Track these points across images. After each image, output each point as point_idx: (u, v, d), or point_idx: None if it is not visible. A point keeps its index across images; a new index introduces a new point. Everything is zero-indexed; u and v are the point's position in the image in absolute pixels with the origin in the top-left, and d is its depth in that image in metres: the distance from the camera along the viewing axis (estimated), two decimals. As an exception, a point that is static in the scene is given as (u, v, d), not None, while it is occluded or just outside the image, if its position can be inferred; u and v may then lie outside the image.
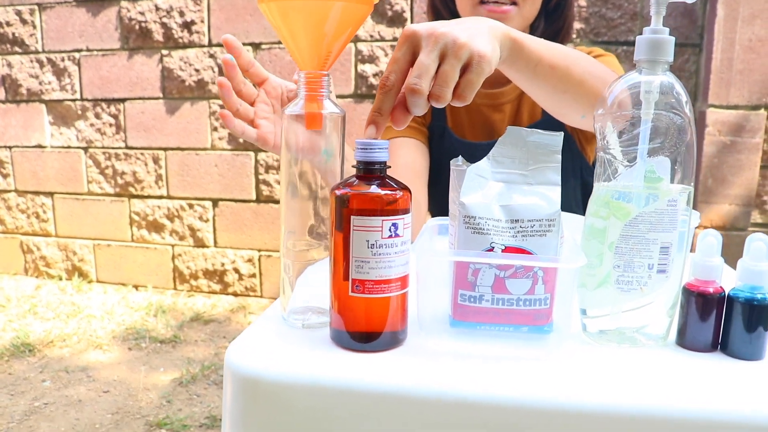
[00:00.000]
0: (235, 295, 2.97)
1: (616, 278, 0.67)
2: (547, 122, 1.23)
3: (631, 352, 0.68)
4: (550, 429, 0.57)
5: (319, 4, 0.67)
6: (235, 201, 2.86)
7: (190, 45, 2.75)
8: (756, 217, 2.41)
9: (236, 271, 2.93)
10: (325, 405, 0.61)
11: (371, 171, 0.65)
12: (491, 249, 0.65)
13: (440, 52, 0.68)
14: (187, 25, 2.73)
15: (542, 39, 0.85)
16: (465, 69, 0.69)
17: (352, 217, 0.63)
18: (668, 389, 0.60)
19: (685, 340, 0.69)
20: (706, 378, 0.62)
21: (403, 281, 0.66)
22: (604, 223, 0.67)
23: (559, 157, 0.67)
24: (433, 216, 1.32)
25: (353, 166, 0.66)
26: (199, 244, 2.95)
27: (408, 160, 1.25)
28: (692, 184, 0.68)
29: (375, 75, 2.60)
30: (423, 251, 0.66)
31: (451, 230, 0.70)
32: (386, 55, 2.58)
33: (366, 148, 0.64)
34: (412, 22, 2.56)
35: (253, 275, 2.92)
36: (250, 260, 2.91)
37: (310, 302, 0.74)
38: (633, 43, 2.35)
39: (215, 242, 2.93)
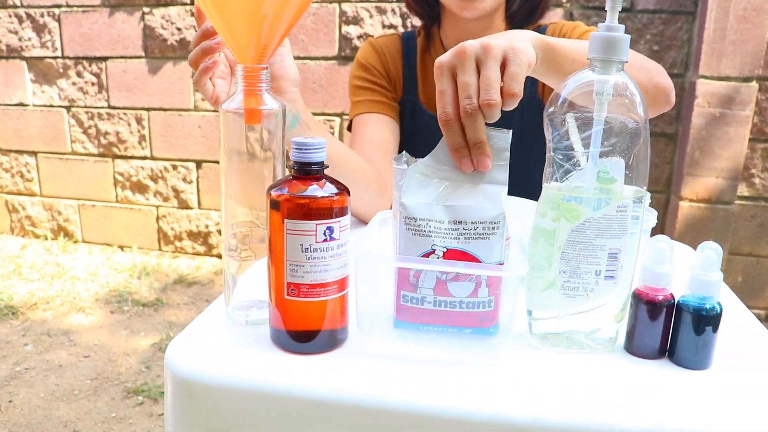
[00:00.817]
0: (219, 257, 2.96)
1: (561, 284, 0.66)
2: (529, 99, 1.19)
3: (577, 358, 0.67)
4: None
5: (254, -5, 0.64)
6: (218, 162, 2.82)
7: (172, 3, 2.68)
8: (743, 190, 2.39)
9: (220, 233, 2.92)
10: (261, 409, 0.61)
11: (307, 172, 0.62)
12: (432, 251, 0.63)
13: (475, 64, 0.67)
14: (170, -19, 2.67)
15: (569, 39, 0.82)
16: (504, 66, 0.68)
17: (285, 220, 0.61)
18: (613, 399, 0.59)
19: (633, 346, 0.68)
20: (652, 387, 0.62)
21: (341, 284, 0.64)
22: (554, 225, 0.65)
23: (507, 155, 0.65)
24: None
25: (288, 167, 0.64)
26: (183, 205, 2.93)
27: (376, 136, 1.22)
28: (645, 187, 0.65)
29: (359, 37, 2.54)
30: (361, 254, 0.65)
31: (393, 229, 0.67)
32: (371, 16, 2.51)
33: (301, 148, 0.61)
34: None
35: (238, 238, 2.91)
36: (234, 223, 2.89)
37: (254, 297, 0.73)
38: (625, 10, 2.29)
39: (199, 204, 2.91)
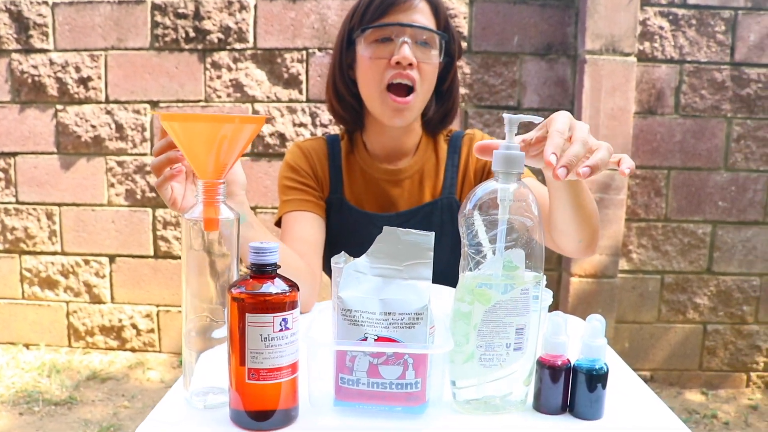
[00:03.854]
0: (133, 350, 2.93)
1: (479, 356, 0.77)
2: (447, 199, 1.35)
3: (494, 418, 0.78)
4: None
5: (215, 125, 0.76)
6: (133, 257, 2.85)
7: (87, 101, 2.75)
8: (623, 264, 2.66)
9: (134, 326, 2.91)
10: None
11: (263, 272, 0.73)
12: (365, 339, 0.74)
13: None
14: (84, 81, 2.73)
15: None
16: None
17: (246, 314, 0.72)
18: None
19: (540, 404, 0.81)
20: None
21: (293, 367, 0.75)
22: (470, 308, 0.77)
23: (431, 253, 0.76)
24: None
25: (247, 267, 0.75)
26: (96, 300, 2.91)
27: (305, 233, 1.32)
28: (542, 271, 0.80)
29: (271, 135, 2.69)
30: (308, 340, 0.76)
31: (332, 319, 0.79)
32: (282, 115, 2.68)
33: (258, 252, 0.73)
34: (307, 84, 2.67)
35: (152, 330, 2.90)
36: (148, 315, 2.89)
37: (210, 383, 0.81)
38: (513, 108, 2.56)
39: (112, 298, 2.90)
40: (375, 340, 0.74)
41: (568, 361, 0.80)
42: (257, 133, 0.82)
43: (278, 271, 0.75)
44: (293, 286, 0.75)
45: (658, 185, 2.64)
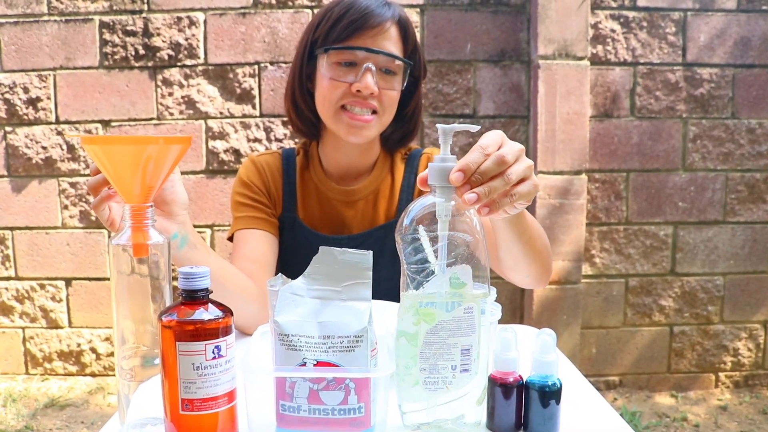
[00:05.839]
0: (93, 375, 2.86)
1: (423, 379, 0.74)
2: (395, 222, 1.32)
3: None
4: None
5: (138, 148, 0.73)
6: (90, 279, 2.78)
7: (36, 122, 2.68)
8: (587, 270, 2.66)
9: (93, 350, 2.83)
10: None
11: (194, 298, 0.70)
12: (304, 364, 0.72)
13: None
14: (33, 102, 2.67)
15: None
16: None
17: (177, 342, 0.68)
18: None
19: (494, 424, 0.78)
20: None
21: (230, 395, 0.72)
22: (415, 329, 0.74)
23: (370, 273, 0.73)
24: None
25: (178, 294, 0.71)
26: (53, 325, 2.83)
27: (256, 252, 1.28)
28: (488, 285, 0.77)
29: (225, 151, 2.65)
30: (243, 367, 0.72)
31: (270, 344, 0.75)
32: (236, 131, 2.64)
33: (188, 277, 0.70)
34: (260, 99, 2.64)
35: (112, 354, 2.83)
36: (107, 339, 2.82)
37: (147, 414, 0.78)
38: (468, 116, 2.56)
39: (70, 322, 2.82)
40: (314, 365, 0.71)
41: (521, 377, 0.78)
42: (185, 152, 0.78)
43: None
44: (227, 311, 0.72)
45: (618, 188, 2.65)
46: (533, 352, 0.78)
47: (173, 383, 0.69)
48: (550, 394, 0.76)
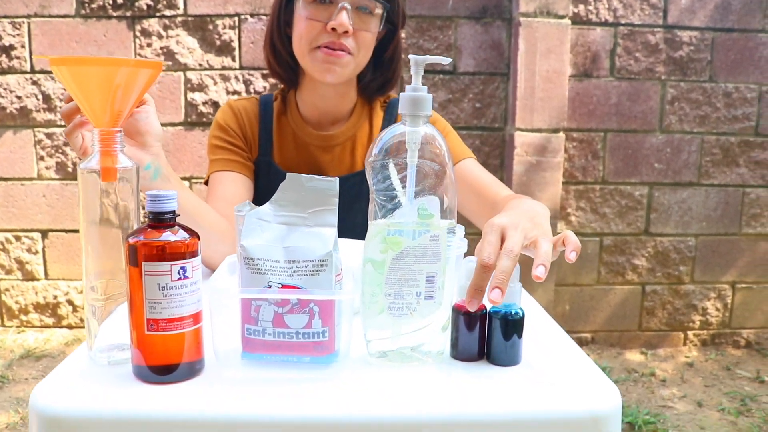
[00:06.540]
0: (70, 327, 2.86)
1: (388, 305, 0.76)
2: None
3: (411, 368, 0.77)
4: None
5: (108, 69, 0.73)
6: (66, 231, 2.76)
7: (10, 71, 2.64)
8: (562, 227, 2.69)
9: (70, 303, 2.83)
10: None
11: (161, 220, 0.71)
12: (269, 287, 0.73)
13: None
14: (6, 50, 2.62)
15: None
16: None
17: (143, 263, 0.69)
18: (440, 395, 0.71)
19: (457, 352, 0.80)
20: (474, 384, 0.74)
21: (196, 317, 0.73)
22: (383, 257, 0.75)
23: (336, 200, 0.75)
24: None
25: (145, 216, 0.72)
26: (29, 277, 2.82)
27: (230, 193, 1.30)
28: (455, 218, 0.79)
29: (204, 103, 2.63)
30: (208, 289, 0.74)
31: (238, 270, 0.77)
32: (215, 83, 2.61)
33: (155, 200, 0.70)
34: (240, 51, 2.61)
35: (90, 306, 2.83)
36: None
37: (115, 340, 0.79)
38: (449, 72, 2.56)
39: (46, 274, 2.82)
40: (279, 288, 0.73)
41: (484, 306, 0.79)
42: (155, 79, 0.78)
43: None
44: (193, 234, 0.72)
45: (595, 148, 2.67)
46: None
47: (139, 304, 0.70)
48: (513, 323, 0.78)
